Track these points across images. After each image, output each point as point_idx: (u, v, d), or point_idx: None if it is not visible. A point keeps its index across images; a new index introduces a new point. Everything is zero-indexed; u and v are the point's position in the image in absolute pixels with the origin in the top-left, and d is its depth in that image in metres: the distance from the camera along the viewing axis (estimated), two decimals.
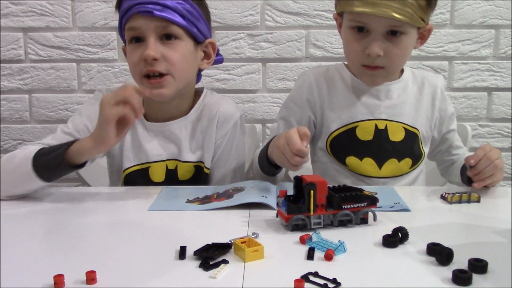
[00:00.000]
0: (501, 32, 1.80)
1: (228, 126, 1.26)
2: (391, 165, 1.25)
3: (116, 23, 1.73)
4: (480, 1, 1.78)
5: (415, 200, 1.05)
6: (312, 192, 0.86)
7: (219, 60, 1.33)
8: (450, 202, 1.03)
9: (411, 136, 1.27)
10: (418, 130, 1.28)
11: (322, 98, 1.28)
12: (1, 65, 1.82)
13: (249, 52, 1.81)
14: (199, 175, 1.25)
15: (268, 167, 1.17)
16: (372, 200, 0.90)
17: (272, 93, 1.83)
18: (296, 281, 0.67)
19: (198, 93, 1.31)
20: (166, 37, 1.15)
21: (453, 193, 1.04)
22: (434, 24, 1.73)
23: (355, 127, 1.25)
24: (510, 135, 1.87)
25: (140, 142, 1.24)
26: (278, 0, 1.76)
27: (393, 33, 1.14)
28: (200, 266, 0.74)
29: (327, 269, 0.72)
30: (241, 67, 1.82)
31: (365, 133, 1.25)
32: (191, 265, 0.74)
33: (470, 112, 1.86)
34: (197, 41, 1.20)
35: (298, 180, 0.90)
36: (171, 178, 1.23)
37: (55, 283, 0.69)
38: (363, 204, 0.90)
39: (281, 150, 1.02)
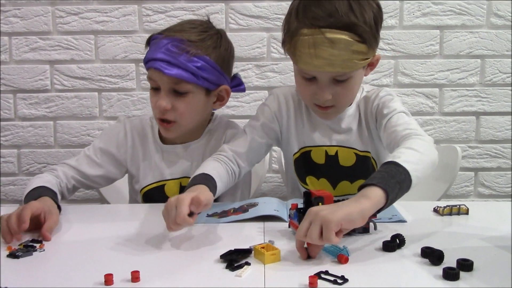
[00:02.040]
0: (486, 61, 1.89)
1: None
2: (344, 186, 1.31)
3: (135, 55, 1.88)
4: (467, 33, 1.88)
5: (410, 213, 1.14)
6: (320, 204, 0.96)
7: (242, 89, 1.39)
8: (442, 214, 1.12)
9: (363, 160, 1.29)
10: (369, 152, 1.29)
11: (288, 115, 1.31)
12: (29, 94, 1.92)
13: (256, 81, 1.91)
14: None
15: None
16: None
17: None
18: (310, 277, 0.77)
19: (210, 118, 1.40)
20: (177, 91, 1.24)
21: (444, 206, 1.13)
22: (425, 55, 1.89)
23: (310, 151, 1.31)
24: (498, 155, 1.95)
25: (156, 163, 1.35)
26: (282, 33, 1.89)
27: (340, 79, 1.14)
28: (227, 267, 0.84)
29: (335, 269, 0.82)
30: (249, 95, 1.92)
31: (318, 157, 1.30)
32: (219, 266, 0.85)
33: (460, 135, 1.93)
34: (209, 89, 1.28)
35: (307, 194, 1.00)
36: None
37: (105, 281, 0.78)
38: None
39: (167, 208, 0.96)
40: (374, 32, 1.11)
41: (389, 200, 0.91)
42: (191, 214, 0.95)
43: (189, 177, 1.29)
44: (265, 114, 1.32)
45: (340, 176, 1.31)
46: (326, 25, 1.07)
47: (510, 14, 1.88)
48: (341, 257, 0.87)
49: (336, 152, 1.29)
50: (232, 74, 1.36)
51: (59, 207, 1.13)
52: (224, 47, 1.30)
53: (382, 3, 1.79)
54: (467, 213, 1.14)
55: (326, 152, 1.30)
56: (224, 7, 1.87)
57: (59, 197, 1.20)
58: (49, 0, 1.86)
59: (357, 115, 1.29)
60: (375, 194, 0.90)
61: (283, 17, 1.81)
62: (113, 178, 1.38)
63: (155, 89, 1.26)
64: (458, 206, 1.14)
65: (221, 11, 1.87)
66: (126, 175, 1.41)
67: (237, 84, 1.36)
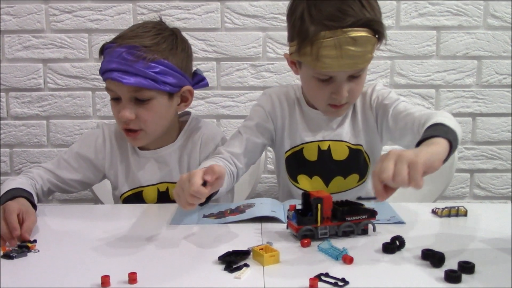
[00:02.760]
0: (483, 62, 1.90)
1: (210, 148, 1.33)
2: (337, 182, 1.30)
3: None
4: (463, 34, 1.88)
5: (408, 214, 1.13)
6: (319, 205, 0.95)
7: (204, 84, 1.34)
8: (440, 216, 1.12)
9: (355, 153, 1.29)
10: (361, 145, 1.30)
11: (283, 114, 1.32)
12: (22, 93, 1.90)
13: (252, 81, 1.90)
14: None
15: None
16: (371, 213, 1.00)
17: None
18: (311, 279, 0.77)
19: (185, 119, 1.38)
20: (139, 99, 1.22)
21: (442, 208, 1.13)
22: (421, 56, 1.89)
23: (302, 148, 1.31)
24: (494, 157, 1.96)
25: (133, 169, 1.33)
26: (278, 32, 1.86)
27: (355, 75, 1.18)
28: (225, 269, 0.83)
29: (335, 271, 0.81)
30: (244, 94, 1.91)
31: (310, 154, 1.30)
32: (217, 268, 0.84)
33: None
34: (171, 93, 1.25)
35: (306, 195, 0.99)
36: (164, 199, 1.32)
37: (102, 283, 0.77)
38: (363, 217, 0.99)
39: (180, 184, 0.96)
40: (383, 23, 1.15)
41: (453, 147, 0.93)
42: (205, 184, 0.93)
43: (167, 182, 1.32)
44: (259, 114, 1.32)
45: (333, 171, 1.30)
46: (348, 24, 1.09)
47: (507, 15, 1.88)
48: (346, 258, 0.86)
49: (329, 147, 1.29)
50: (193, 71, 1.34)
51: (35, 207, 1.11)
52: (181, 48, 1.27)
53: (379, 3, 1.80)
54: (465, 214, 1.13)
55: (318, 147, 1.29)
56: (219, 6, 1.86)
57: (34, 197, 1.18)
58: None
59: (350, 109, 1.30)
60: (441, 141, 0.91)
61: (280, 16, 1.86)
62: (89, 183, 1.37)
63: (116, 99, 1.24)
64: (456, 208, 1.14)
65: (217, 10, 1.86)
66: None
67: (199, 80, 1.33)
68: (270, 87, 1.86)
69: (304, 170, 1.32)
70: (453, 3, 1.87)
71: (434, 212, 1.14)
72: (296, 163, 1.33)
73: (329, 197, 0.97)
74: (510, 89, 1.93)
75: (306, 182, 1.32)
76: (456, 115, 1.92)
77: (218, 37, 1.87)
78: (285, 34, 1.82)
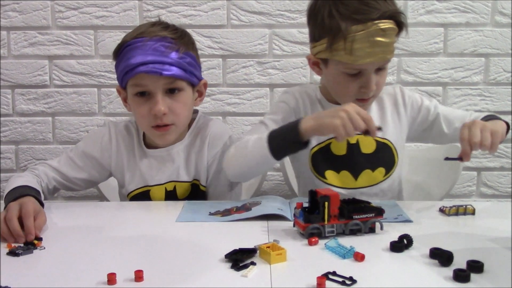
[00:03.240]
0: (491, 60, 1.89)
1: (218, 146, 1.32)
2: (365, 175, 1.32)
3: None
4: (471, 31, 1.87)
5: (415, 213, 1.13)
6: (326, 203, 0.95)
7: None
8: (448, 215, 1.11)
9: (383, 147, 1.32)
10: (388, 140, 1.33)
11: (306, 112, 1.33)
12: (28, 90, 1.90)
13: (258, 78, 1.90)
14: (196, 193, 1.33)
15: (294, 143, 1.15)
16: (379, 211, 0.99)
17: None
18: (318, 278, 0.76)
19: (193, 117, 1.36)
20: (171, 91, 1.23)
21: (450, 207, 1.13)
22: (428, 53, 1.88)
23: (329, 144, 1.32)
24: (501, 155, 1.95)
25: (140, 168, 1.32)
26: (284, 29, 1.86)
27: (381, 67, 1.23)
28: (232, 267, 0.83)
29: (343, 270, 0.80)
30: (250, 92, 1.91)
31: (338, 149, 1.31)
32: (224, 266, 0.84)
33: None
34: (194, 86, 1.29)
35: (313, 194, 0.99)
36: (171, 198, 1.32)
37: (108, 280, 0.77)
38: (371, 215, 0.99)
39: (349, 115, 1.05)
40: (406, 17, 1.22)
41: (509, 128, 1.19)
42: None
43: (174, 181, 1.31)
44: (284, 109, 1.33)
45: (362, 164, 1.32)
46: (377, 17, 1.15)
47: None
48: (357, 255, 0.86)
49: (357, 140, 1.32)
50: None
51: (42, 205, 1.11)
52: (194, 42, 1.32)
53: None
54: (473, 213, 1.13)
55: (347, 141, 1.31)
56: (226, 3, 1.86)
57: (42, 195, 1.18)
58: None
59: (374, 105, 1.35)
60: (501, 122, 1.17)
61: (286, 13, 1.86)
62: (95, 181, 1.37)
63: (142, 95, 1.23)
64: (464, 206, 1.14)
65: (223, 7, 1.86)
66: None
67: None
68: (276, 85, 1.89)
69: (331, 165, 1.33)
70: (461, 0, 1.86)
71: (441, 210, 1.14)
72: (323, 159, 1.33)
73: (336, 195, 0.97)
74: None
75: (333, 177, 1.33)
76: None
77: (224, 34, 1.87)
78: (291, 31, 1.86)
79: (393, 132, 1.34)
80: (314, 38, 1.25)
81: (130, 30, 1.81)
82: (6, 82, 1.89)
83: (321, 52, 1.22)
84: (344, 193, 1.30)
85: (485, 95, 1.92)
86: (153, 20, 1.78)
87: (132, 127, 1.36)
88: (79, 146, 1.34)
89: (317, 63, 1.28)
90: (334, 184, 1.32)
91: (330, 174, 1.33)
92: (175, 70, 1.20)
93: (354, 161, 1.32)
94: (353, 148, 1.31)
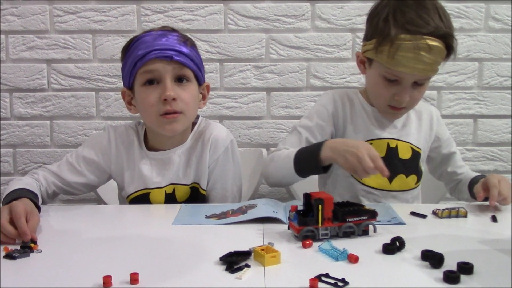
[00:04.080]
0: (484, 64, 1.91)
1: (220, 151, 1.33)
2: (400, 180, 1.36)
3: None
4: (465, 36, 1.89)
5: (409, 216, 1.14)
6: (320, 206, 0.96)
7: None
8: (441, 217, 1.13)
9: (416, 155, 1.38)
10: (421, 149, 1.39)
11: (344, 114, 1.38)
12: (26, 93, 1.91)
13: (255, 82, 1.91)
14: (196, 196, 1.34)
15: (314, 168, 1.21)
16: (372, 214, 1.00)
17: (276, 119, 1.93)
18: (311, 280, 0.77)
19: (194, 121, 1.38)
20: (179, 80, 1.25)
21: (443, 209, 1.14)
22: None
23: (370, 144, 1.34)
24: (495, 158, 1.97)
25: (141, 170, 1.33)
26: (281, 34, 1.88)
27: (419, 82, 1.27)
28: (226, 269, 0.83)
29: (335, 272, 0.81)
30: (247, 95, 1.92)
31: (378, 150, 1.29)
32: (218, 268, 0.84)
33: (458, 138, 1.94)
34: (199, 84, 1.32)
35: (307, 196, 0.99)
36: (170, 201, 1.32)
37: (104, 283, 0.78)
38: (364, 218, 0.99)
39: (351, 159, 1.11)
40: (456, 42, 1.26)
41: None
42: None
43: (174, 184, 1.32)
44: (321, 115, 1.37)
45: (398, 169, 1.36)
46: (428, 32, 1.19)
47: (507, 18, 1.89)
48: (351, 257, 0.87)
49: (396, 145, 1.37)
50: None
51: (38, 208, 1.11)
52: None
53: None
54: (465, 215, 1.14)
55: (388, 144, 1.35)
56: (223, 8, 1.87)
57: (40, 199, 1.19)
58: None
59: (413, 116, 1.41)
60: None
61: (282, 18, 1.87)
62: (94, 185, 1.38)
63: (150, 84, 1.25)
64: (457, 208, 1.15)
65: (220, 11, 1.87)
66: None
67: None
68: (273, 88, 1.90)
69: None
70: (455, 5, 1.88)
71: (434, 213, 1.15)
72: None
73: (330, 198, 0.97)
74: (510, 91, 1.94)
75: (369, 178, 1.32)
76: (457, 116, 1.95)
77: (222, 38, 1.88)
78: (287, 35, 1.88)
79: (424, 144, 1.41)
80: (367, 37, 1.31)
81: (128, 35, 1.87)
82: (4, 85, 1.90)
83: (368, 51, 1.28)
84: (377, 193, 1.36)
85: (479, 99, 1.94)
86: (151, 25, 1.82)
87: (132, 131, 1.36)
88: (78, 151, 1.34)
89: (363, 62, 1.34)
90: (368, 184, 1.36)
91: None
92: (184, 58, 1.24)
93: (391, 165, 1.31)
94: (392, 151, 1.36)
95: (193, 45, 1.30)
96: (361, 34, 1.83)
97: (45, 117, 1.92)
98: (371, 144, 1.31)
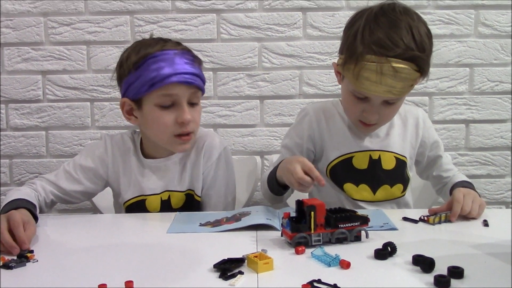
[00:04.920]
0: (475, 70, 1.92)
1: (214, 158, 1.36)
2: (384, 190, 1.36)
3: None
4: (455, 42, 1.91)
5: (401, 221, 1.16)
6: (312, 213, 0.97)
7: None
8: (433, 224, 1.13)
9: (401, 164, 1.37)
10: (406, 157, 1.37)
11: (321, 132, 1.37)
12: (21, 104, 1.91)
13: (248, 90, 1.92)
14: (191, 203, 1.36)
15: (276, 187, 1.28)
16: (364, 220, 1.01)
17: (270, 127, 1.94)
18: (303, 286, 0.78)
19: None
20: (191, 103, 1.28)
21: (433, 215, 1.14)
22: None
23: (351, 157, 1.35)
24: (487, 163, 1.98)
25: (137, 178, 1.34)
26: (273, 43, 1.89)
27: (390, 102, 1.23)
28: (220, 276, 0.84)
29: (328, 278, 0.82)
30: (240, 104, 1.93)
31: (360, 163, 1.34)
32: (212, 276, 0.85)
33: (450, 143, 1.95)
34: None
35: (300, 203, 1.00)
36: (166, 207, 1.34)
37: None
38: (356, 223, 1.00)
39: (287, 176, 1.15)
40: (429, 61, 1.20)
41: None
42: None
43: (170, 191, 1.34)
44: (299, 133, 1.39)
45: (381, 180, 1.35)
46: (393, 55, 1.13)
47: (497, 24, 1.91)
48: (343, 262, 0.88)
49: (379, 156, 1.35)
50: None
51: (36, 218, 1.13)
52: None
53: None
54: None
55: (370, 156, 1.34)
56: (215, 18, 1.89)
57: (37, 209, 1.20)
58: (41, 11, 1.87)
59: (398, 121, 1.38)
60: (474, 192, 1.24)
61: (274, 27, 1.89)
62: (92, 193, 1.39)
63: (166, 107, 1.25)
64: (445, 213, 1.16)
65: (213, 21, 1.89)
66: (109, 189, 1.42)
67: None
68: (266, 97, 1.92)
69: (351, 178, 1.35)
70: (445, 12, 1.89)
71: (422, 220, 1.15)
72: (343, 172, 1.36)
73: (322, 205, 0.98)
74: (502, 95, 1.95)
75: (352, 190, 1.36)
76: (449, 122, 1.96)
77: (214, 47, 1.90)
78: (279, 44, 1.89)
79: (410, 150, 1.39)
80: (340, 49, 1.28)
81: (122, 45, 1.87)
82: (0, 97, 1.91)
83: (339, 66, 1.26)
84: (362, 205, 1.35)
85: (470, 104, 1.95)
86: (145, 35, 1.82)
87: (128, 139, 1.38)
88: (75, 159, 1.35)
89: (339, 73, 1.31)
90: (352, 197, 1.36)
91: (348, 187, 1.36)
92: (199, 82, 1.27)
93: (374, 176, 1.34)
94: (375, 163, 1.34)
95: (200, 64, 1.31)
96: None
97: (41, 127, 1.93)
98: (353, 157, 1.34)
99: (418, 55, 1.15)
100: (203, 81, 1.29)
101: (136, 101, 1.27)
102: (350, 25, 1.24)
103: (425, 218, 1.15)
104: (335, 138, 1.37)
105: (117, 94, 1.89)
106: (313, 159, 1.41)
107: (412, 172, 1.43)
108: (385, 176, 1.34)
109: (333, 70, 1.87)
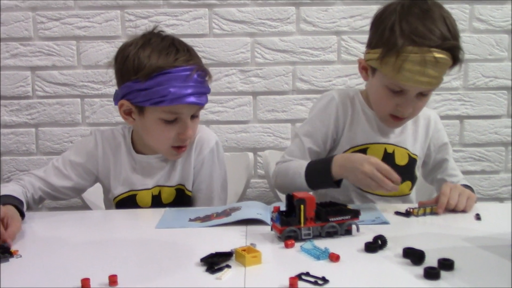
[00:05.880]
0: (469, 65, 1.91)
1: (205, 152, 1.36)
2: None
3: None
4: None
5: (393, 215, 1.15)
6: (302, 206, 0.96)
7: None
8: (417, 215, 1.13)
9: (412, 162, 1.37)
10: (417, 156, 1.38)
11: (345, 118, 1.36)
12: (10, 101, 1.90)
13: (241, 86, 1.91)
14: (181, 198, 1.35)
15: (329, 185, 1.24)
16: (355, 214, 1.00)
17: (263, 123, 1.93)
18: (291, 278, 0.77)
19: None
20: (193, 116, 1.28)
21: (418, 208, 1.15)
22: None
23: (366, 148, 1.34)
24: (482, 158, 1.98)
25: (127, 173, 1.34)
26: (266, 38, 1.88)
27: (424, 93, 1.24)
28: (207, 270, 0.83)
29: (316, 271, 0.81)
30: (233, 100, 1.92)
31: (374, 155, 1.30)
32: (199, 269, 0.84)
33: None
34: None
35: (290, 197, 0.99)
36: (156, 202, 1.33)
37: (82, 286, 0.77)
38: (347, 217, 0.99)
39: (360, 177, 1.13)
40: (463, 54, 1.22)
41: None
42: None
43: (161, 186, 1.33)
44: (323, 120, 1.36)
45: None
46: (435, 45, 1.15)
47: (492, 19, 1.90)
48: (333, 256, 0.87)
49: (393, 151, 1.35)
50: None
51: (23, 215, 1.11)
52: None
53: (364, 5, 1.81)
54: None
55: (385, 149, 1.34)
56: (207, 12, 1.87)
57: (24, 205, 1.18)
58: (30, 5, 1.85)
59: (410, 120, 1.36)
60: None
61: (267, 22, 1.88)
62: (81, 189, 1.37)
63: (169, 121, 1.24)
64: (431, 206, 1.16)
65: (205, 16, 1.87)
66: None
67: None
68: (259, 92, 1.90)
69: None
70: None
71: (408, 211, 1.15)
72: None
73: (312, 198, 0.97)
74: (496, 91, 1.95)
75: None
76: (443, 118, 1.93)
77: (207, 43, 1.88)
78: (272, 39, 1.88)
79: (419, 150, 1.40)
80: (371, 44, 1.27)
81: (112, 40, 1.86)
82: None
83: (372, 61, 1.24)
84: (370, 197, 1.35)
85: (465, 100, 1.95)
86: (137, 31, 1.79)
87: (119, 134, 1.37)
88: (65, 155, 1.34)
89: (365, 69, 1.30)
90: (362, 188, 1.33)
91: None
92: (206, 99, 1.26)
93: None
94: (389, 157, 1.34)
95: (210, 79, 1.29)
96: (346, 37, 1.89)
97: (30, 124, 1.91)
98: (368, 148, 1.34)
99: (455, 45, 1.18)
100: (209, 93, 1.28)
101: (138, 107, 1.25)
102: (380, 19, 1.24)
103: (411, 210, 1.15)
104: (354, 128, 1.36)
105: (107, 90, 1.89)
106: (329, 147, 1.39)
107: (418, 172, 1.43)
108: (397, 171, 1.30)
109: (326, 66, 1.90)
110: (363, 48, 1.85)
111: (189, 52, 1.26)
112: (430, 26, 1.16)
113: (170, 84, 1.19)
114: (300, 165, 1.27)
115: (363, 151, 1.34)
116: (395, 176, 1.11)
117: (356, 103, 1.37)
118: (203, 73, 1.25)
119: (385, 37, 1.20)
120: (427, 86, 1.20)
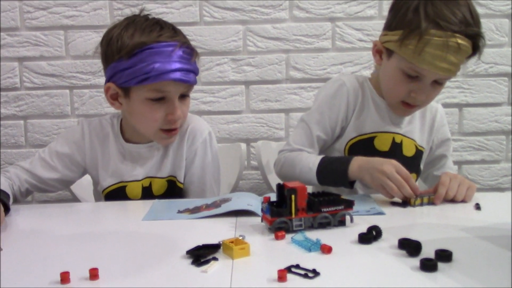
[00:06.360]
0: None
1: (198, 142, 1.32)
2: None
3: None
4: None
5: (388, 205, 1.12)
6: (293, 196, 0.93)
7: None
8: (414, 205, 1.10)
9: (419, 154, 1.35)
10: (424, 148, 1.36)
11: (355, 105, 1.32)
12: None
13: (233, 75, 1.88)
14: (173, 189, 1.32)
15: (343, 185, 1.21)
16: (348, 204, 0.97)
17: (256, 113, 1.90)
18: (279, 271, 0.73)
19: None
20: (182, 96, 1.24)
21: (414, 198, 1.11)
22: None
23: (373, 137, 1.31)
24: (482, 148, 1.95)
25: (117, 163, 1.30)
26: (258, 25, 1.84)
27: (440, 81, 1.22)
28: (192, 263, 0.80)
29: (307, 263, 0.78)
30: (225, 89, 1.89)
31: (382, 144, 1.30)
32: (184, 262, 0.81)
33: None
34: None
35: (280, 187, 0.96)
36: (147, 194, 1.30)
37: (61, 279, 0.74)
38: (340, 207, 0.96)
39: (387, 174, 1.09)
40: (484, 44, 1.20)
41: None
42: None
43: (152, 178, 1.30)
44: (332, 107, 1.32)
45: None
46: (460, 30, 1.13)
47: (491, 3, 1.87)
48: (324, 247, 0.84)
49: (401, 141, 1.33)
50: None
51: (7, 208, 1.08)
52: None
53: None
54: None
55: (393, 139, 1.31)
56: (198, 0, 1.83)
57: (11, 198, 1.15)
58: None
59: (417, 112, 1.35)
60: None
61: (259, 9, 1.84)
62: (69, 181, 1.34)
63: (155, 100, 1.21)
64: (428, 196, 1.13)
65: (195, 3, 1.84)
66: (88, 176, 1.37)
67: None
68: (251, 82, 1.87)
69: None
70: None
71: (405, 202, 1.12)
72: (362, 152, 1.29)
73: (303, 188, 0.94)
74: (496, 78, 1.91)
75: None
76: (443, 106, 1.90)
77: (197, 31, 1.84)
78: (265, 26, 1.84)
79: (425, 145, 1.38)
80: (390, 26, 1.23)
81: (101, 30, 1.81)
82: None
83: (390, 43, 1.21)
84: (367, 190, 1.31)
85: (464, 87, 1.92)
86: (136, 14, 1.73)
87: (107, 123, 1.33)
88: (51, 146, 1.31)
89: (380, 52, 1.27)
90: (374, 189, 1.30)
91: None
92: (194, 78, 1.22)
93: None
94: (397, 147, 1.32)
95: (197, 57, 1.25)
96: (341, 23, 1.85)
97: (19, 116, 1.89)
98: (375, 137, 1.31)
99: (478, 32, 1.16)
100: (196, 74, 1.24)
101: (124, 89, 1.22)
102: (403, 2, 1.20)
103: (408, 199, 1.12)
104: (363, 115, 1.33)
105: (97, 81, 1.86)
106: (336, 135, 1.35)
107: (422, 166, 1.41)
108: (404, 162, 1.27)
109: (321, 54, 1.86)
110: (358, 35, 1.85)
111: (174, 30, 1.23)
112: (455, 11, 1.14)
113: (153, 59, 1.16)
114: (312, 161, 1.23)
115: (371, 139, 1.31)
116: (413, 183, 1.09)
117: (366, 89, 1.34)
118: (189, 49, 1.21)
119: (408, 18, 1.17)
120: (445, 73, 1.17)
